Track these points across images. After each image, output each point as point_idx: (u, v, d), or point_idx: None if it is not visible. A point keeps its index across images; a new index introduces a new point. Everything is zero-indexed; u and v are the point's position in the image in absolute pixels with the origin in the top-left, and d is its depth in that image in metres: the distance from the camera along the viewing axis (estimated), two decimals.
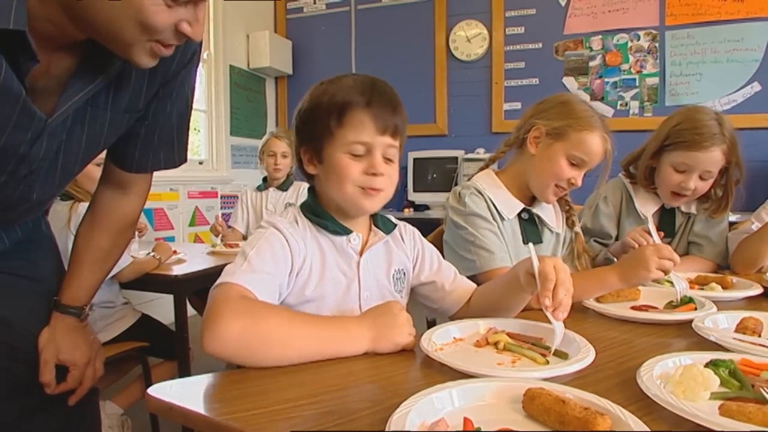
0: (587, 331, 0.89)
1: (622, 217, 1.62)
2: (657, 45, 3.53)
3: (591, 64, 3.69)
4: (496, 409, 0.60)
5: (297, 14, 4.48)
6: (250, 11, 4.22)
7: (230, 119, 4.00)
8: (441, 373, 0.70)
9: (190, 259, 1.97)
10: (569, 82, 3.75)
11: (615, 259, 1.45)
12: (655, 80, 3.55)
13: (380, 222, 0.97)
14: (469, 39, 3.97)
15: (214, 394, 0.65)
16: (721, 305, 1.04)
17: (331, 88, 0.88)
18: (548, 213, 1.34)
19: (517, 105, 3.83)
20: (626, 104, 3.62)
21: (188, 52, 0.88)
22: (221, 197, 3.92)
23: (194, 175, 3.71)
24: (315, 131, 0.88)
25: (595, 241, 1.61)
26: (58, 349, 0.95)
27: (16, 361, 0.93)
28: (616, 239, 1.60)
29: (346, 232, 0.92)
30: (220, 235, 2.42)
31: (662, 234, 1.27)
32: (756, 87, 3.33)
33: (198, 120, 3.87)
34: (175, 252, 1.95)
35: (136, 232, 2.08)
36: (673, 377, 0.64)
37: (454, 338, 0.85)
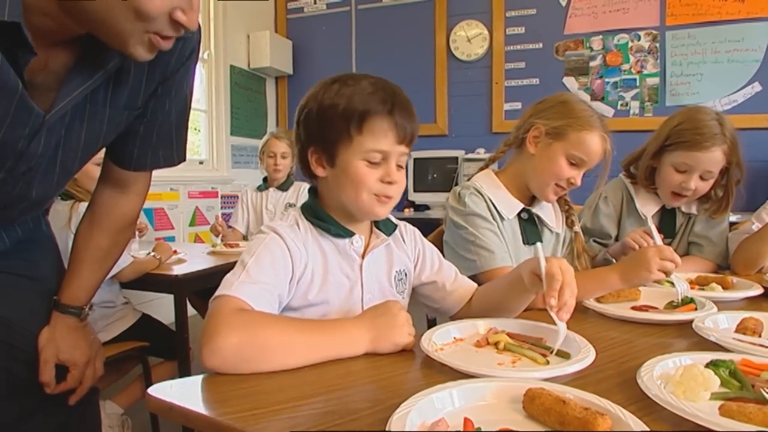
0: (587, 331, 0.89)
1: (623, 217, 1.62)
2: (657, 45, 3.53)
3: (591, 64, 3.69)
4: (497, 409, 0.60)
5: (297, 14, 4.48)
6: (250, 11, 4.22)
7: (230, 119, 4.00)
8: (441, 373, 0.70)
9: (191, 259, 1.97)
10: (570, 82, 3.75)
11: (614, 260, 1.45)
12: (656, 80, 3.55)
13: (381, 223, 0.96)
14: (469, 39, 3.97)
15: (214, 394, 0.64)
16: (722, 305, 1.04)
17: (346, 90, 0.85)
18: (548, 213, 1.34)
19: (518, 105, 3.83)
20: (627, 104, 3.62)
21: (186, 50, 0.88)
22: (221, 197, 3.92)
23: (194, 175, 3.71)
24: (329, 134, 0.86)
25: (594, 241, 1.61)
26: (57, 348, 0.95)
27: (16, 360, 0.92)
28: (616, 239, 1.60)
29: (349, 234, 0.91)
30: (221, 235, 2.42)
31: (662, 235, 1.26)
32: (756, 87, 3.33)
33: (198, 120, 3.87)
34: (175, 252, 1.95)
35: (137, 232, 2.09)
36: (674, 377, 0.64)
37: (455, 338, 0.85)
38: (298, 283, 0.86)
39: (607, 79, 3.67)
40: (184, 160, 1.03)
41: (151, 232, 3.16)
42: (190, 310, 1.83)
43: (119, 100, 0.85)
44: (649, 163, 1.54)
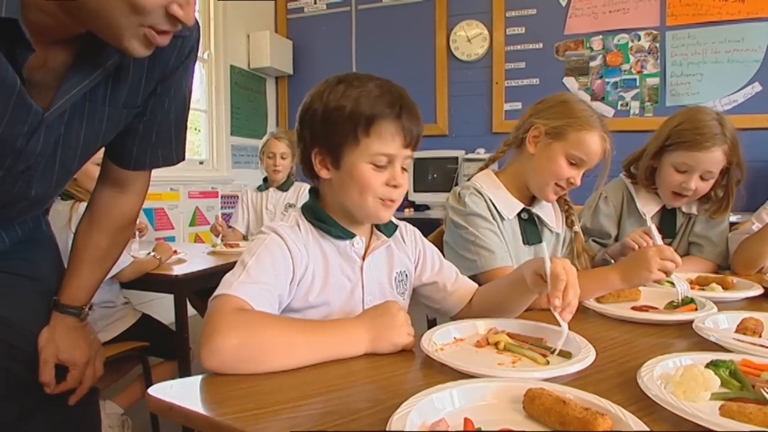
0: (588, 331, 0.89)
1: (623, 217, 1.62)
2: (658, 45, 3.53)
3: (591, 64, 3.69)
4: (497, 409, 0.60)
5: (297, 14, 4.48)
6: (250, 11, 4.22)
7: (231, 119, 4.00)
8: (441, 373, 0.70)
9: (191, 258, 1.96)
10: (570, 82, 3.75)
11: (612, 261, 1.45)
12: (656, 80, 3.55)
13: (382, 225, 0.96)
14: (469, 39, 3.97)
15: (214, 394, 0.64)
16: (722, 306, 1.04)
17: (353, 92, 0.84)
18: (548, 213, 1.34)
19: (518, 105, 3.83)
20: (627, 104, 3.62)
21: (186, 48, 0.88)
22: (221, 197, 3.92)
23: (194, 175, 3.71)
24: (334, 136, 0.85)
25: (593, 240, 1.61)
26: (57, 348, 0.95)
27: (16, 360, 0.92)
28: (616, 239, 1.60)
29: (350, 236, 0.91)
30: (221, 235, 2.42)
31: (662, 235, 1.26)
32: (757, 87, 3.33)
33: (198, 120, 3.87)
34: (175, 252, 1.95)
35: (137, 232, 2.09)
36: (674, 378, 0.64)
37: (455, 338, 0.85)
38: (299, 284, 0.86)
39: (607, 79, 3.67)
40: (183, 159, 1.03)
41: (151, 232, 3.16)
42: (190, 310, 1.83)
43: (119, 99, 0.85)
44: (649, 163, 1.54)
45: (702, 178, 1.45)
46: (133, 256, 1.69)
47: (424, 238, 1.06)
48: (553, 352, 0.77)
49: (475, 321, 0.90)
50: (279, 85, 4.57)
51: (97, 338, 1.07)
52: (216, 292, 0.77)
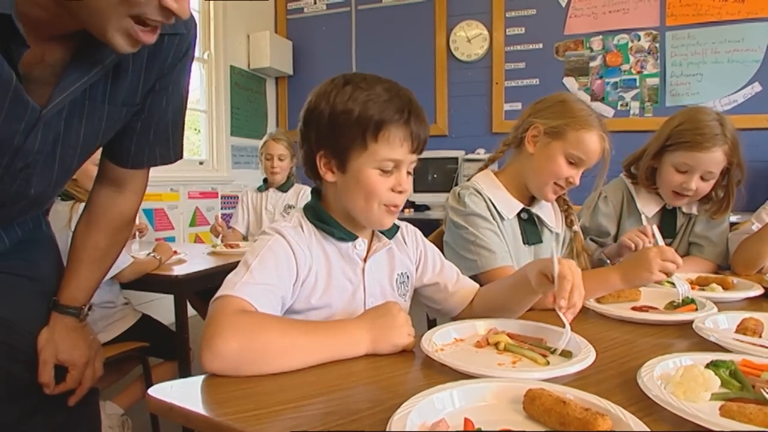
0: (588, 331, 0.89)
1: (623, 217, 1.62)
2: (657, 45, 3.53)
3: (591, 64, 3.69)
4: (497, 409, 0.60)
5: (297, 14, 4.48)
6: (250, 11, 4.22)
7: (231, 119, 4.00)
8: (442, 373, 0.70)
9: (191, 259, 1.97)
10: (570, 82, 3.75)
11: (608, 261, 1.45)
12: (656, 80, 3.55)
13: None
14: (469, 39, 3.97)
15: (214, 395, 0.64)
16: (722, 306, 1.04)
17: (360, 95, 0.83)
18: (547, 213, 1.34)
19: (518, 105, 3.83)
20: (627, 105, 3.62)
21: (183, 46, 0.88)
22: (221, 197, 3.92)
23: (194, 176, 3.71)
24: (341, 140, 0.84)
25: (591, 239, 1.61)
26: (56, 349, 0.95)
27: (16, 361, 0.92)
28: (615, 239, 1.59)
29: (352, 238, 0.91)
30: (221, 236, 2.42)
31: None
32: (756, 87, 3.33)
33: (198, 120, 3.87)
34: (175, 252, 1.95)
35: (137, 233, 2.09)
36: (674, 378, 0.64)
37: (455, 339, 0.85)
38: (302, 286, 0.86)
39: (607, 80, 3.66)
40: (181, 157, 1.03)
41: (151, 232, 3.16)
42: (191, 311, 1.83)
43: (118, 97, 0.85)
44: (649, 164, 1.54)
45: (702, 178, 1.45)
46: (133, 257, 1.69)
47: (425, 239, 1.06)
48: (554, 352, 0.77)
49: (475, 321, 0.90)
50: (279, 86, 4.57)
51: (96, 339, 1.07)
52: (218, 293, 0.76)
